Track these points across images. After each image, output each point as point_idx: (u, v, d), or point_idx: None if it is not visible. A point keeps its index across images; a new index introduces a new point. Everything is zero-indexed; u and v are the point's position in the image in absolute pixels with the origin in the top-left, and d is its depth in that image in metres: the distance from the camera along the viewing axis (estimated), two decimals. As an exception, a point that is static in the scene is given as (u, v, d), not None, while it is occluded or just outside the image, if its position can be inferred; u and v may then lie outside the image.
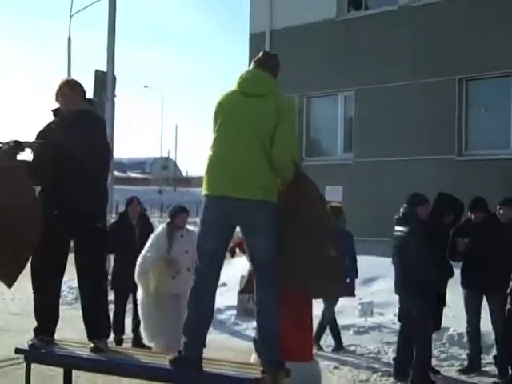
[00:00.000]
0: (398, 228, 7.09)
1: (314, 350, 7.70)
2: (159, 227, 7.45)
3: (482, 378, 7.09)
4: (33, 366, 5.21)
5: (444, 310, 7.29)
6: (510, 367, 6.74)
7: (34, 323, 5.24)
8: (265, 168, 4.53)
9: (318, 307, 8.34)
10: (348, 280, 8.28)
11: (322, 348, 8.24)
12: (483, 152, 12.33)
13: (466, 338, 7.59)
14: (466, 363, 7.43)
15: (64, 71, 29.47)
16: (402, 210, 7.14)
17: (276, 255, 4.60)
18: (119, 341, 7.95)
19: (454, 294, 7.40)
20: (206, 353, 4.64)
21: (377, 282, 10.72)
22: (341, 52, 14.00)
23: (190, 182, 69.67)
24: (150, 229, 8.07)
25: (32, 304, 5.30)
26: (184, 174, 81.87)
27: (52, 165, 4.98)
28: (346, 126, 14.42)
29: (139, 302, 7.36)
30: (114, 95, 14.37)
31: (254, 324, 4.78)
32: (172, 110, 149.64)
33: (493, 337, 7.25)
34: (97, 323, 5.22)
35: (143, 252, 7.22)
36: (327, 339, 8.42)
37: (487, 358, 7.41)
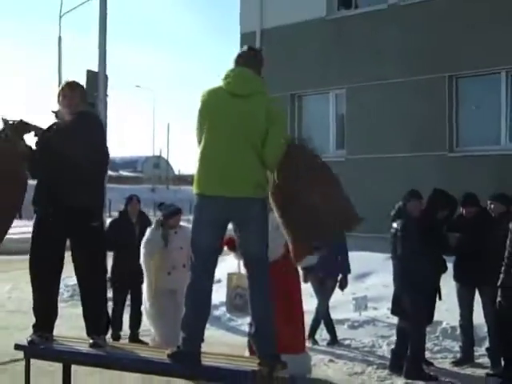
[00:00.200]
0: (393, 224, 7.20)
1: (309, 344, 7.84)
2: (148, 232, 7.52)
3: (475, 370, 7.20)
4: (32, 361, 5.27)
5: (437, 303, 7.40)
6: (502, 359, 6.86)
7: (32, 320, 5.29)
8: (256, 166, 4.63)
9: (311, 302, 8.45)
10: (340, 276, 8.39)
11: (317, 342, 8.33)
12: (474, 148, 12.40)
13: (459, 331, 7.70)
14: (459, 355, 7.54)
15: (55, 71, 29.44)
16: (396, 206, 7.25)
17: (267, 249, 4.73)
18: (117, 337, 8.02)
19: (447, 287, 7.50)
20: (202, 348, 4.71)
21: (370, 277, 10.81)
22: (331, 50, 14.04)
23: (183, 180, 69.62)
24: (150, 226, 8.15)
25: (29, 302, 5.37)
26: (176, 173, 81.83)
27: (51, 164, 5.05)
28: (337, 124, 14.47)
29: (145, 298, 7.44)
30: (106, 95, 14.38)
31: (249, 319, 4.86)
32: (164, 109, 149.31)
33: (485, 329, 7.36)
34: (96, 319, 5.28)
35: (144, 240, 7.30)
36: (322, 333, 8.51)
37: (480, 350, 7.52)
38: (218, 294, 8.00)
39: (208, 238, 4.68)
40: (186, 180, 63.12)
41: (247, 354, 6.33)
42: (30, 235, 5.27)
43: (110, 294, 7.02)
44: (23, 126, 5.16)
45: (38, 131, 5.19)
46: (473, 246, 7.11)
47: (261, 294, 4.72)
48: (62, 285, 11.50)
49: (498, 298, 6.39)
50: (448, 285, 7.48)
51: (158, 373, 5.14)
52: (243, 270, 6.64)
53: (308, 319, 8.17)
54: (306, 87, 14.65)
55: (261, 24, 15.23)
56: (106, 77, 14.22)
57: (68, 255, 5.25)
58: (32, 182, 5.37)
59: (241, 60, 4.81)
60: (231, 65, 4.85)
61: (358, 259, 10.50)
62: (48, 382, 6.22)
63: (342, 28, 14.03)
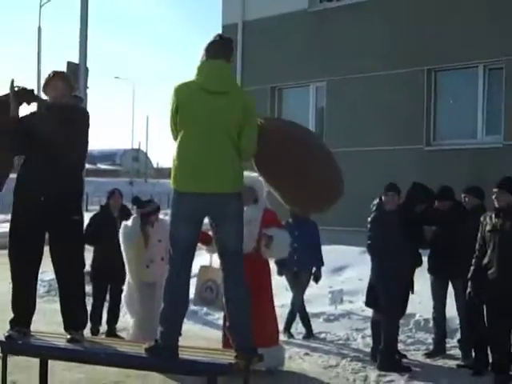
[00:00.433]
0: (368, 219, 7.30)
1: (284, 337, 7.91)
2: (130, 219, 7.52)
3: (447, 361, 7.31)
4: (9, 357, 5.28)
5: (411, 296, 7.51)
6: (473, 350, 6.99)
7: (10, 316, 5.31)
8: (232, 161, 4.71)
9: (287, 296, 8.52)
10: (315, 268, 8.46)
11: (293, 335, 8.39)
12: (451, 142, 12.51)
13: (431, 324, 7.80)
14: (431, 347, 7.64)
15: (34, 62, 29.25)
16: (376, 200, 7.34)
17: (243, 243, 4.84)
18: (96, 331, 8.03)
19: (421, 281, 7.60)
20: (180, 342, 4.77)
21: (346, 270, 10.87)
22: (312, 43, 14.04)
23: (161, 173, 69.46)
24: None
25: (5, 298, 5.36)
26: (155, 166, 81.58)
27: (38, 153, 5.04)
28: (317, 117, 14.51)
29: (125, 290, 7.46)
30: (86, 87, 14.34)
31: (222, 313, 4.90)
32: (143, 101, 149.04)
33: (457, 321, 7.47)
34: (73, 314, 5.29)
35: (123, 225, 7.35)
36: (298, 327, 8.57)
37: (452, 342, 7.63)
38: (194, 288, 8.10)
39: (186, 233, 4.72)
40: (164, 173, 63.04)
41: (221, 347, 6.41)
42: (7, 229, 5.27)
43: (89, 288, 7.03)
44: (26, 94, 5.17)
45: (41, 103, 5.19)
46: (446, 240, 7.20)
47: (237, 287, 4.79)
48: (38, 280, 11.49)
49: (468, 290, 6.51)
50: (422, 278, 7.58)
51: (136, 367, 5.20)
52: (215, 264, 6.72)
53: (284, 313, 8.27)
54: (286, 80, 14.67)
55: (242, 16, 15.20)
56: (86, 69, 14.17)
57: (45, 249, 5.27)
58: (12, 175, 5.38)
59: (211, 49, 4.78)
60: (200, 53, 4.81)
61: (334, 253, 10.63)
62: (25, 378, 6.23)
63: (323, 20, 14.04)
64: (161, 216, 7.76)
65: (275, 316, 6.95)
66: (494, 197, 6.40)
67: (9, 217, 5.27)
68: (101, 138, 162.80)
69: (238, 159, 4.75)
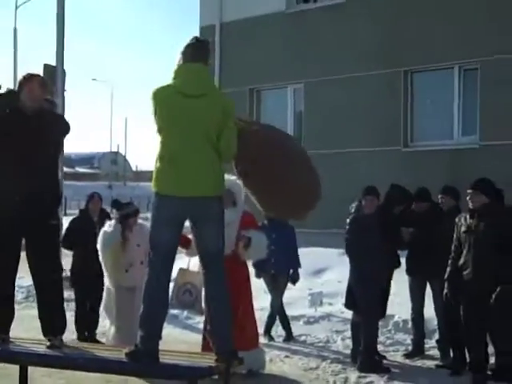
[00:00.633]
0: (347, 220, 7.34)
1: (265, 340, 7.94)
2: (107, 224, 7.50)
3: (426, 362, 7.38)
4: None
5: (390, 297, 7.57)
6: (451, 350, 7.06)
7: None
8: (213, 164, 4.71)
9: (266, 299, 8.55)
10: (292, 271, 8.50)
11: (273, 338, 8.42)
12: (428, 143, 12.63)
13: (410, 324, 7.86)
14: (410, 348, 7.71)
15: (10, 63, 29.06)
16: (356, 203, 7.38)
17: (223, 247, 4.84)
18: (84, 339, 7.92)
19: (400, 282, 7.66)
20: (160, 346, 4.75)
21: (326, 272, 10.90)
22: (290, 45, 14.09)
23: (141, 176, 69.22)
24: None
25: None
26: (134, 169, 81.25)
27: (11, 153, 5.00)
28: (295, 119, 14.58)
29: (104, 295, 7.44)
30: (63, 89, 14.27)
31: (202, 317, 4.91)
32: (121, 104, 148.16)
33: (435, 322, 7.52)
34: (51, 320, 5.25)
35: (102, 231, 7.31)
36: (278, 330, 8.60)
37: (430, 343, 7.70)
38: (171, 291, 8.10)
39: (167, 236, 4.72)
40: (143, 176, 62.80)
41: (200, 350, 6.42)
42: None
43: (67, 294, 6.97)
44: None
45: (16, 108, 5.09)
46: (424, 241, 7.26)
47: (218, 291, 4.79)
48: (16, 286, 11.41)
49: (445, 291, 6.57)
50: (400, 279, 7.64)
51: (116, 372, 5.17)
52: (192, 267, 6.73)
53: (263, 316, 8.29)
54: (264, 81, 14.71)
55: (220, 17, 15.22)
56: (63, 71, 14.09)
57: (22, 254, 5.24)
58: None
59: (188, 52, 4.77)
60: (177, 57, 4.79)
61: (313, 255, 10.67)
62: (4, 384, 6.20)
63: (301, 22, 14.10)
64: (140, 220, 7.74)
65: (255, 319, 6.97)
66: (468, 198, 6.46)
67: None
68: (79, 141, 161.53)
69: (219, 162, 4.76)
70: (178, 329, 9.03)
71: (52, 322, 5.25)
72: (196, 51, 4.77)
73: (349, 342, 7.76)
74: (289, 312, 8.76)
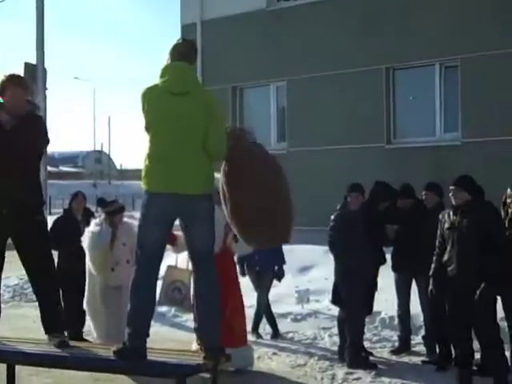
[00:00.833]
0: (331, 217, 7.38)
1: (252, 338, 7.97)
2: (93, 223, 7.47)
3: (412, 358, 7.43)
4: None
5: (376, 294, 7.62)
6: (437, 346, 7.12)
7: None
8: (201, 162, 4.72)
9: (253, 297, 8.58)
10: (277, 267, 8.53)
11: (261, 336, 8.45)
12: (411, 140, 12.72)
13: (396, 321, 7.91)
14: (396, 344, 7.76)
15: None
16: (342, 200, 7.42)
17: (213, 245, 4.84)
18: (71, 338, 7.88)
19: (386, 278, 7.71)
20: (148, 344, 4.76)
21: (312, 269, 10.93)
22: (272, 42, 14.11)
23: (125, 174, 69.01)
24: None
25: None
26: (118, 167, 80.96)
27: None
28: (278, 116, 14.61)
29: (85, 300, 7.41)
30: (45, 88, 14.22)
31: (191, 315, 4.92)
32: (104, 102, 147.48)
33: (421, 318, 7.58)
34: (55, 317, 5.25)
35: (90, 232, 7.27)
36: (265, 327, 8.63)
37: (416, 339, 7.75)
38: (160, 289, 8.10)
39: (155, 234, 4.73)
40: (128, 175, 62.61)
41: (194, 347, 6.42)
42: None
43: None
44: None
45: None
46: (408, 237, 7.31)
47: (207, 288, 4.80)
48: (2, 285, 11.42)
49: (430, 287, 6.62)
50: (387, 276, 7.69)
51: (104, 370, 5.18)
52: (181, 264, 6.74)
53: (251, 313, 8.32)
54: (246, 79, 14.72)
55: (201, 15, 15.22)
56: (44, 70, 14.06)
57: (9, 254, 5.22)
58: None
59: (175, 53, 4.83)
60: (165, 57, 4.86)
61: (300, 252, 10.71)
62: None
63: (282, 19, 14.12)
64: (125, 218, 7.73)
65: (244, 317, 7.00)
66: (450, 194, 6.50)
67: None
68: (62, 140, 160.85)
69: (207, 160, 4.76)
70: (166, 327, 9.03)
71: (56, 320, 5.25)
72: (181, 51, 4.84)
73: (336, 339, 7.80)
74: (276, 309, 8.79)
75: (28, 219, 5.10)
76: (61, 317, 5.35)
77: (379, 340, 8.07)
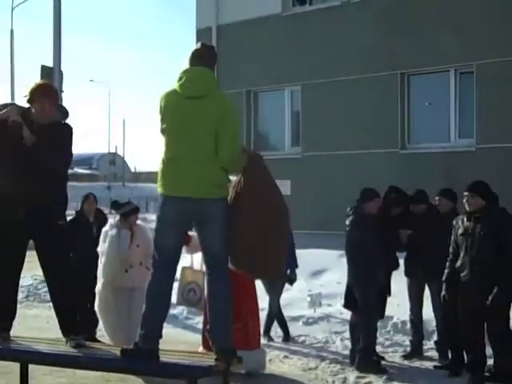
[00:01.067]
0: (346, 222, 7.37)
1: (264, 340, 7.98)
2: (109, 226, 7.50)
3: (424, 363, 7.41)
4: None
5: (388, 299, 7.61)
6: (449, 351, 7.10)
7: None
8: (214, 166, 4.73)
9: (265, 300, 8.59)
10: (289, 271, 8.53)
11: (273, 338, 8.46)
12: (425, 145, 12.66)
13: (409, 326, 7.89)
14: (408, 349, 7.74)
15: (7, 65, 29.08)
16: (352, 204, 7.41)
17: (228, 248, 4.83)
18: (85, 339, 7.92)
19: (398, 283, 7.71)
20: (160, 346, 4.79)
21: (325, 274, 10.93)
22: (287, 47, 14.10)
23: (139, 177, 69.19)
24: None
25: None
26: (132, 170, 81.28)
27: (15, 166, 5.04)
28: (293, 121, 14.59)
29: (97, 302, 7.45)
30: (61, 91, 14.31)
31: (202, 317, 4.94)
32: (119, 104, 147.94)
33: (434, 323, 7.57)
34: (73, 319, 5.31)
35: (113, 236, 7.29)
36: (277, 330, 8.64)
37: (429, 344, 7.73)
38: (175, 292, 8.14)
39: (170, 237, 4.77)
40: (142, 177, 62.73)
41: (201, 350, 6.47)
42: None
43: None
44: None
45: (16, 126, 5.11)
46: (422, 243, 7.30)
47: (220, 291, 4.82)
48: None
49: (443, 292, 6.62)
50: (399, 280, 7.68)
51: (116, 370, 5.23)
52: (196, 265, 6.78)
53: (262, 316, 8.33)
54: (261, 84, 14.73)
55: (216, 20, 15.25)
56: (60, 72, 14.13)
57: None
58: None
59: (193, 57, 4.88)
60: (185, 63, 4.90)
61: (312, 256, 10.72)
62: (5, 382, 6.24)
63: (297, 24, 14.13)
64: (138, 221, 7.76)
65: (259, 320, 7.03)
66: (464, 200, 6.50)
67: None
68: (77, 142, 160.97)
69: (220, 164, 4.76)
70: (178, 329, 9.07)
71: (73, 322, 5.30)
72: (199, 55, 4.88)
73: (348, 343, 7.80)
74: (288, 313, 8.80)
75: (49, 223, 5.17)
76: (77, 319, 5.40)
77: (391, 344, 8.07)
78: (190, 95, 4.73)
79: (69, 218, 8.83)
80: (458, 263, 6.46)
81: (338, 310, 8.87)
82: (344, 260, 7.63)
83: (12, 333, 5.40)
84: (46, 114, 5.17)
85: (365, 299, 7.08)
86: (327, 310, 9.39)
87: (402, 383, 6.68)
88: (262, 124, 15.27)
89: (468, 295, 6.33)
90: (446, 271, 6.59)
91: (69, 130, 5.41)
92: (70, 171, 5.95)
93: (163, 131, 4.82)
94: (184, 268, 7.06)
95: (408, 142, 12.94)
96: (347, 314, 7.93)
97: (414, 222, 7.48)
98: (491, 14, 11.76)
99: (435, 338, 7.56)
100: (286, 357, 7.75)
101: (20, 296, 10.99)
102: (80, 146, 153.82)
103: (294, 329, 8.74)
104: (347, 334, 7.85)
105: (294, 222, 8.34)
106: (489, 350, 6.50)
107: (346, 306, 7.62)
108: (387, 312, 7.83)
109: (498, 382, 6.36)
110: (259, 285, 8.47)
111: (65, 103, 14.44)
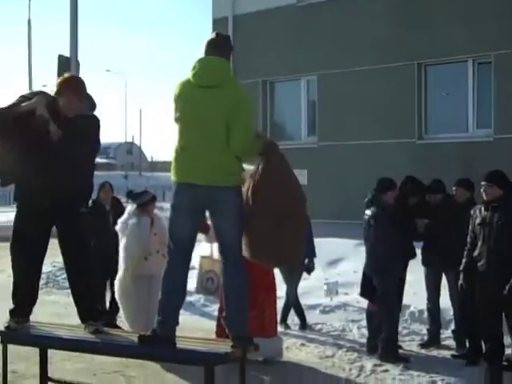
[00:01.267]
0: (366, 211, 7.35)
1: (281, 328, 8.02)
2: (127, 215, 7.54)
3: (441, 352, 7.42)
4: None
5: (405, 288, 7.61)
6: (467, 340, 7.10)
7: (8, 307, 5.38)
8: (228, 155, 4.74)
9: (282, 288, 8.62)
10: (307, 260, 8.55)
11: (289, 326, 8.50)
12: (442, 136, 12.61)
13: (426, 315, 7.90)
14: (426, 338, 7.74)
15: (24, 54, 29.21)
16: (370, 194, 7.40)
17: (241, 236, 4.86)
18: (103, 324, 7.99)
19: (415, 272, 7.70)
20: (177, 333, 4.82)
21: (342, 262, 10.97)
22: (303, 37, 14.08)
23: (156, 166, 69.34)
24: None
25: (7, 288, 5.44)
26: (149, 159, 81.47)
27: (42, 158, 5.09)
28: (309, 111, 14.59)
29: (117, 289, 7.51)
30: (78, 81, 14.32)
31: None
32: (136, 94, 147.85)
33: (451, 312, 7.57)
34: (91, 306, 5.37)
35: (134, 224, 7.32)
36: (294, 318, 8.67)
37: (446, 333, 7.72)
38: (192, 280, 8.18)
39: (185, 225, 4.80)
40: (159, 167, 62.82)
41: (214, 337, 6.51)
42: (7, 221, 5.33)
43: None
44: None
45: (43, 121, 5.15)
46: (439, 232, 7.29)
47: (234, 278, 4.84)
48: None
49: (460, 281, 6.61)
50: (416, 269, 7.67)
51: (134, 356, 5.28)
52: (215, 255, 6.82)
53: (279, 304, 8.37)
54: (277, 74, 14.72)
55: (233, 10, 15.25)
56: (77, 63, 14.14)
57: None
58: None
59: (209, 47, 4.87)
60: (201, 52, 4.90)
61: (329, 245, 10.74)
62: (25, 367, 6.35)
63: (312, 14, 14.09)
64: (155, 210, 7.80)
65: (276, 308, 7.06)
66: (482, 190, 6.48)
67: (8, 209, 5.33)
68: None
69: (231, 153, 4.77)
70: (195, 316, 9.13)
71: (91, 308, 5.37)
72: (213, 45, 4.87)
73: (364, 331, 7.82)
74: (305, 301, 8.82)
75: (73, 211, 5.25)
76: (96, 305, 5.47)
77: (408, 333, 8.06)
78: (203, 84, 4.74)
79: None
80: (476, 253, 6.44)
81: (355, 298, 8.89)
82: (360, 249, 7.65)
83: (31, 318, 5.47)
84: (72, 108, 5.22)
85: (386, 290, 7.08)
86: (344, 299, 9.42)
87: (419, 372, 6.67)
88: (278, 114, 15.27)
89: (485, 285, 6.31)
90: (464, 260, 6.58)
91: (96, 122, 5.48)
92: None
93: (176, 120, 4.85)
94: (202, 257, 7.10)
95: (425, 133, 12.91)
96: (364, 303, 7.95)
97: (430, 212, 7.46)
98: (510, 3, 11.65)
99: (452, 326, 7.55)
100: (302, 344, 7.78)
101: (40, 282, 11.14)
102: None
103: (311, 317, 8.77)
104: (364, 323, 7.88)
105: (311, 211, 8.43)
106: (507, 340, 6.48)
107: (362, 294, 7.64)
108: (404, 301, 7.84)
109: (515, 371, 6.34)
110: (277, 273, 8.51)
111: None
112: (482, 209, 6.46)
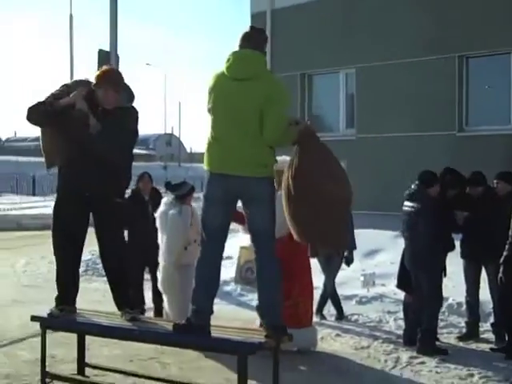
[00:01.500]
0: (407, 203, 7.27)
1: (316, 319, 8.01)
2: (163, 205, 7.60)
3: (480, 345, 7.33)
4: (48, 333, 5.45)
5: (444, 280, 7.53)
6: (506, 334, 7.00)
7: (46, 295, 5.49)
8: (260, 146, 4.76)
9: (320, 279, 8.62)
10: (347, 252, 8.52)
11: (325, 317, 8.50)
12: (483, 128, 12.45)
13: (464, 307, 7.82)
14: (464, 331, 7.66)
15: (66, 49, 29.55)
16: (413, 186, 7.31)
17: (274, 226, 4.88)
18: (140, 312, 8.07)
19: (454, 264, 7.60)
20: (213, 322, 4.87)
21: (379, 254, 10.93)
22: (341, 30, 14.03)
23: (194, 157, 69.74)
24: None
25: (42, 277, 5.55)
26: (188, 150, 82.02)
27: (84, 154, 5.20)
28: (347, 103, 14.51)
29: (161, 279, 7.56)
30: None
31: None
32: (175, 87, 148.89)
33: (491, 305, 7.48)
34: (127, 294, 5.46)
35: (177, 214, 7.37)
36: (330, 309, 8.66)
37: (485, 326, 7.63)
38: (228, 270, 8.22)
39: (217, 215, 4.84)
40: (197, 158, 63.10)
41: (256, 325, 6.52)
42: (43, 211, 5.44)
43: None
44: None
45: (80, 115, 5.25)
46: (479, 225, 7.20)
47: (267, 267, 4.87)
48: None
49: (500, 274, 6.53)
50: (455, 262, 7.58)
51: (170, 343, 5.33)
52: None
53: (317, 295, 8.36)
54: (316, 66, 14.69)
55: (271, 4, 15.26)
56: (117, 56, 14.29)
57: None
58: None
59: (243, 40, 4.91)
60: (236, 46, 4.94)
61: (367, 236, 10.68)
62: (63, 352, 6.46)
63: (351, 7, 14.01)
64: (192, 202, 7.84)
65: (312, 298, 7.05)
66: None
67: (46, 199, 5.44)
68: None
69: (263, 144, 4.79)
70: (232, 305, 9.14)
71: (127, 296, 5.46)
72: (247, 38, 4.91)
73: (401, 323, 7.77)
74: (342, 292, 8.79)
75: (109, 201, 5.34)
76: (132, 294, 5.55)
77: (446, 326, 7.96)
78: (237, 77, 4.77)
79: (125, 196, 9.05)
80: (517, 246, 6.36)
81: (392, 290, 8.83)
82: (398, 240, 7.59)
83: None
84: (109, 100, 5.31)
85: (432, 284, 7.01)
86: (381, 290, 9.38)
87: (456, 365, 6.60)
88: (316, 106, 15.23)
89: (525, 278, 6.23)
90: (505, 253, 6.50)
91: (134, 113, 5.54)
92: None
93: (209, 111, 4.89)
94: (242, 248, 7.13)
95: (466, 125, 12.75)
96: (401, 295, 7.89)
97: (471, 204, 7.37)
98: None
99: (492, 320, 7.45)
100: (338, 335, 7.76)
101: (80, 270, 11.33)
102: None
103: (347, 308, 8.75)
104: (401, 314, 7.81)
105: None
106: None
107: (399, 286, 7.58)
108: (443, 293, 7.74)
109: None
110: (315, 264, 8.50)
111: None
112: (524, 202, 6.38)
